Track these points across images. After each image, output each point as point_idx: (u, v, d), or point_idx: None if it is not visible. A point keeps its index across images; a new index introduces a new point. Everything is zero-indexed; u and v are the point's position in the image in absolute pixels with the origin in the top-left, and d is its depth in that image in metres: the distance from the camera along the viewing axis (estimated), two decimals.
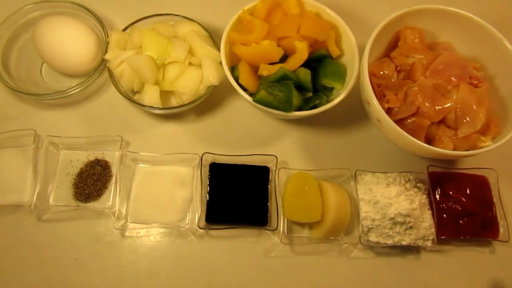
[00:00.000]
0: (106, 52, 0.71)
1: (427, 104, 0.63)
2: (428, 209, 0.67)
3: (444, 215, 0.67)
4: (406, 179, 0.68)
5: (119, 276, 0.65)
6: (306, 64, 0.69)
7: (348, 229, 0.66)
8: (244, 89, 0.67)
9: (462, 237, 0.67)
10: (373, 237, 0.65)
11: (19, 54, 0.76)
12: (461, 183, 0.69)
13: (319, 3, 0.72)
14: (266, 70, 0.67)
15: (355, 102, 0.70)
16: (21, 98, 0.75)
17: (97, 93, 0.76)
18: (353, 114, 0.76)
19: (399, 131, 0.60)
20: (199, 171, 0.67)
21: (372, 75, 0.66)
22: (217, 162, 0.69)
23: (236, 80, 0.68)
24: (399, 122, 0.63)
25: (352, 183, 0.68)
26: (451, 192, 0.68)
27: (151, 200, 0.67)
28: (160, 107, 0.68)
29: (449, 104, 0.63)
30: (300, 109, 0.67)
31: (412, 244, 0.65)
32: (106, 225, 0.67)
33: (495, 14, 0.77)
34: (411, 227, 0.65)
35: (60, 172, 0.69)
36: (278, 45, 0.68)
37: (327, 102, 0.67)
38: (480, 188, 0.69)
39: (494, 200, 0.69)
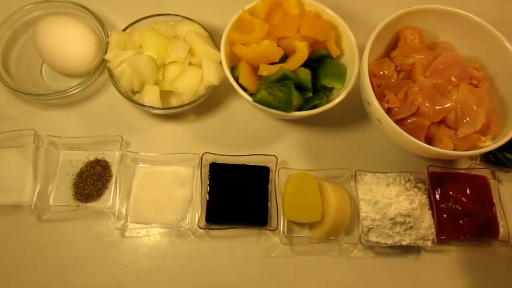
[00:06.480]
0: (106, 52, 0.71)
1: (427, 104, 0.63)
2: (428, 209, 0.67)
3: (444, 215, 0.67)
4: (406, 179, 0.68)
5: (119, 276, 0.65)
6: (306, 64, 0.69)
7: (348, 229, 0.66)
8: (244, 89, 0.67)
9: (462, 237, 0.67)
10: (373, 237, 0.65)
11: (19, 54, 0.76)
12: (461, 183, 0.69)
13: (319, 3, 0.72)
14: (266, 70, 0.67)
15: (355, 102, 0.70)
16: (21, 98, 0.75)
17: (97, 93, 0.76)
18: (353, 114, 0.76)
19: (399, 131, 0.60)
20: (199, 171, 0.67)
21: (372, 75, 0.66)
22: (217, 162, 0.69)
23: (236, 80, 0.68)
24: (399, 122, 0.63)
25: (352, 183, 0.68)
26: (451, 192, 0.68)
27: (151, 200, 0.67)
28: (160, 107, 0.68)
29: (449, 104, 0.63)
30: (300, 109, 0.67)
31: (412, 244, 0.65)
32: (106, 225, 0.67)
33: (495, 14, 0.77)
34: (411, 227, 0.65)
35: (60, 172, 0.69)
36: (278, 45, 0.68)
37: (327, 102, 0.67)
38: (480, 188, 0.69)
39: (494, 200, 0.69)
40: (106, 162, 0.69)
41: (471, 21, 0.67)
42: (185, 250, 0.66)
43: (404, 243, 0.65)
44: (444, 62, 0.66)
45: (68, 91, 0.71)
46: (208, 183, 0.67)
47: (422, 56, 0.67)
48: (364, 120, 0.76)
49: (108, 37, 0.73)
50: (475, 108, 0.63)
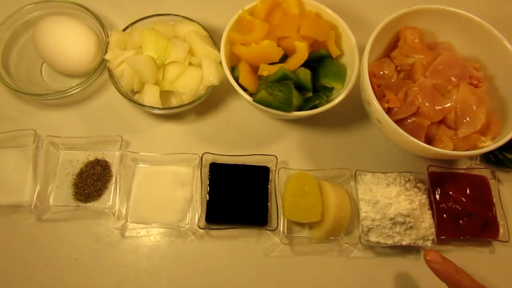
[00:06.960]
0: (106, 52, 0.71)
1: (427, 104, 0.63)
2: (428, 209, 0.67)
3: (444, 215, 0.67)
4: (406, 179, 0.68)
5: (119, 276, 0.65)
6: (306, 64, 0.69)
7: (348, 229, 0.66)
8: (244, 89, 0.67)
9: (462, 237, 0.67)
10: (373, 237, 0.65)
11: (19, 54, 0.76)
12: (461, 183, 0.69)
13: (319, 3, 0.72)
14: (266, 70, 0.67)
15: (355, 102, 0.70)
16: (21, 98, 0.75)
17: (97, 93, 0.76)
18: (353, 114, 0.76)
19: (399, 131, 0.60)
20: (199, 171, 0.67)
21: (372, 75, 0.66)
22: (217, 162, 0.69)
23: (236, 80, 0.68)
24: (399, 122, 0.63)
25: (352, 183, 0.68)
26: (451, 192, 0.68)
27: (151, 200, 0.67)
28: (160, 107, 0.68)
29: (449, 104, 0.63)
30: (300, 109, 0.67)
31: (412, 244, 0.65)
32: (106, 225, 0.67)
33: (495, 14, 0.77)
34: (411, 227, 0.65)
35: (60, 172, 0.69)
36: (278, 45, 0.68)
37: (327, 102, 0.67)
38: (480, 188, 0.69)
39: (494, 200, 0.69)
40: (106, 162, 0.69)
41: (471, 21, 0.67)
42: (185, 250, 0.66)
43: (404, 243, 0.65)
44: (444, 62, 0.66)
45: (68, 91, 0.71)
46: (208, 183, 0.67)
47: (422, 56, 0.67)
48: (364, 120, 0.76)
49: (108, 37, 0.73)
50: (475, 108, 0.63)
